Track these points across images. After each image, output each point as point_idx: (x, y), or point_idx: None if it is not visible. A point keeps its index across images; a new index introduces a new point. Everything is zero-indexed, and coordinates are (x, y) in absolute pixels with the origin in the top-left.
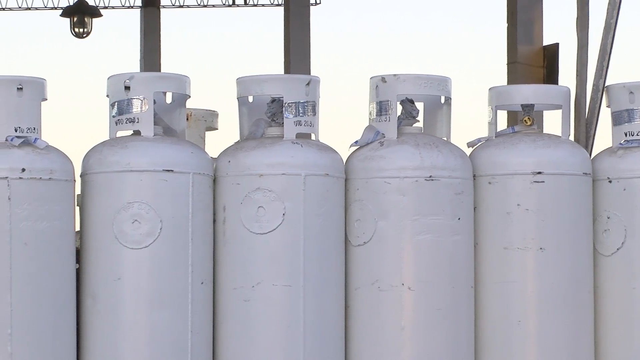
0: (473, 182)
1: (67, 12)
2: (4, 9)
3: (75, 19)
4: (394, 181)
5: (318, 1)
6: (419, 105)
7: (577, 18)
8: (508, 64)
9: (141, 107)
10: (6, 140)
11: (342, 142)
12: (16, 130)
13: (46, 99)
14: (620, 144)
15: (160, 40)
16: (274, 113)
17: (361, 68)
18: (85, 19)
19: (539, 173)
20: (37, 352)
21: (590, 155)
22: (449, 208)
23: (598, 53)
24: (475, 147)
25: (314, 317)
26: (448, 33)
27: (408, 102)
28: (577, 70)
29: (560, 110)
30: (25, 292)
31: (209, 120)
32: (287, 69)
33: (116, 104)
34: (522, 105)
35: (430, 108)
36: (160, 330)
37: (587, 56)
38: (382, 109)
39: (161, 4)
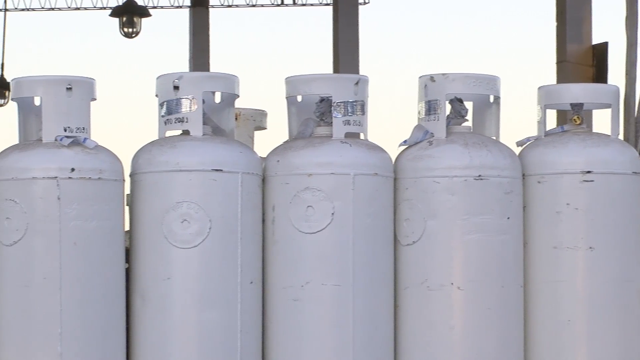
0: (522, 182)
1: (116, 12)
2: (53, 9)
3: (124, 18)
4: (443, 180)
5: (367, 0)
6: (468, 105)
7: (626, 17)
8: (557, 62)
9: (190, 107)
10: (56, 140)
11: (391, 142)
12: (65, 130)
13: (95, 99)
14: None
15: (209, 40)
16: (322, 112)
17: (410, 67)
18: (134, 19)
19: (589, 172)
20: (87, 351)
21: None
22: (498, 207)
23: None
24: (524, 146)
25: (363, 317)
26: (497, 32)
27: (457, 102)
28: (626, 69)
29: (609, 109)
30: (75, 291)
31: (257, 119)
32: (336, 69)
33: (165, 103)
34: (571, 104)
35: (479, 107)
36: (209, 330)
37: (636, 55)
38: (431, 108)
39: (210, 4)
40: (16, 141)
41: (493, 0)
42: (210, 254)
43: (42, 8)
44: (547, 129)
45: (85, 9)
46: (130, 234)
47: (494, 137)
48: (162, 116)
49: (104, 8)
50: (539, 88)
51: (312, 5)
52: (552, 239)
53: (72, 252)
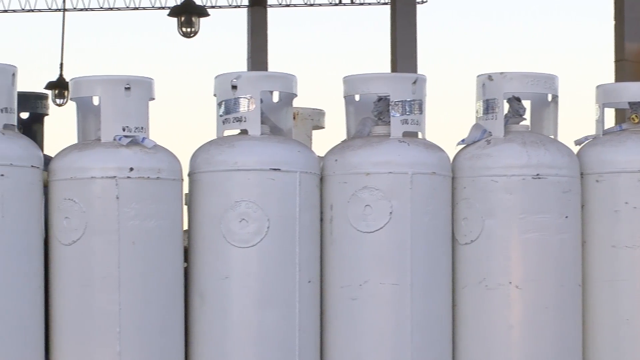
0: (580, 180)
1: (174, 11)
2: (111, 9)
3: (182, 18)
4: (501, 179)
5: None
6: (526, 103)
7: None
8: (615, 61)
9: (248, 106)
10: (114, 139)
11: (449, 141)
12: (124, 130)
13: (154, 99)
14: None
15: (267, 39)
16: (380, 112)
17: (468, 66)
18: (193, 19)
19: None
20: (145, 350)
21: None
22: (556, 206)
23: None
24: (582, 145)
25: (422, 316)
26: (555, 30)
27: (515, 100)
28: None
29: None
30: (133, 291)
31: (315, 119)
32: (394, 68)
33: (223, 103)
34: (629, 102)
35: (537, 106)
36: (267, 329)
37: None
38: (488, 107)
39: (268, 3)
40: (75, 141)
41: None
42: (269, 253)
43: (101, 8)
44: (605, 127)
45: (144, 8)
46: (188, 233)
47: (552, 136)
48: (220, 115)
49: (163, 8)
50: (597, 87)
51: (369, 4)
52: (611, 238)
53: (130, 252)
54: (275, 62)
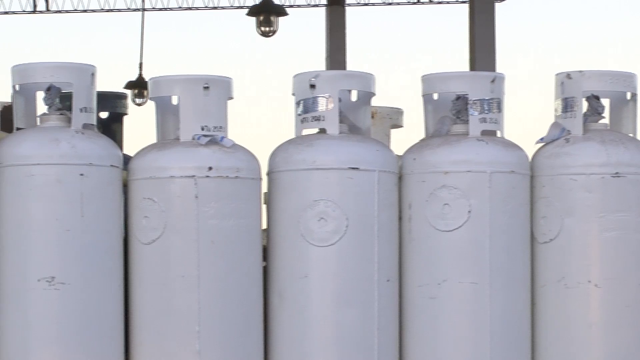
0: None
1: (253, 11)
2: (190, 9)
3: (261, 17)
4: (580, 178)
5: None
6: (605, 102)
7: None
8: None
9: (327, 105)
10: (193, 139)
11: (528, 139)
12: (203, 129)
13: (232, 98)
14: None
15: (345, 38)
16: (459, 110)
17: (546, 64)
18: (271, 18)
19: None
20: (225, 349)
21: None
22: (636, 204)
23: None
24: None
25: (501, 315)
26: (634, 28)
27: (594, 99)
28: None
29: None
30: (213, 290)
31: (394, 117)
32: (472, 66)
33: (302, 102)
34: None
35: (616, 104)
36: (347, 328)
37: None
38: (567, 105)
39: (346, 2)
40: (154, 140)
41: None
42: (347, 252)
43: (180, 7)
44: None
45: (223, 8)
46: (267, 232)
47: (631, 135)
48: (299, 115)
49: (241, 7)
50: None
51: (448, 3)
52: None
53: (209, 251)
54: (354, 61)
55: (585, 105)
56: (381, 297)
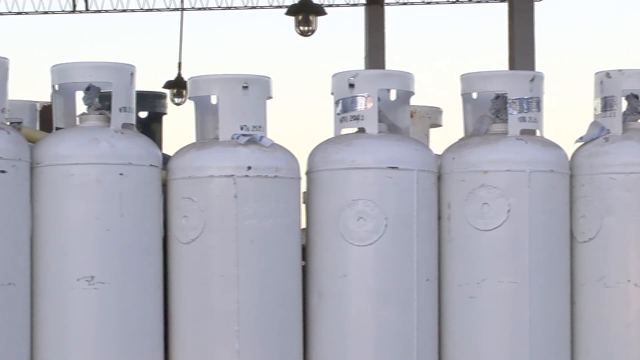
0: None
1: (292, 10)
2: (229, 8)
3: (300, 17)
4: (620, 177)
5: None
6: None
7: None
8: None
9: (365, 105)
10: (232, 138)
11: (567, 138)
12: (242, 129)
13: (271, 97)
14: None
15: (384, 38)
16: (498, 109)
17: (586, 63)
18: (310, 17)
19: None
20: (264, 348)
21: None
22: None
23: None
24: None
25: (540, 314)
26: None
27: (633, 98)
28: None
29: None
30: (252, 289)
31: (433, 117)
32: (512, 65)
33: (341, 101)
34: None
35: None
36: (386, 327)
37: None
38: (607, 104)
39: (385, 1)
40: (193, 140)
41: None
42: (386, 252)
43: (219, 7)
44: None
45: (262, 7)
46: (306, 232)
47: None
48: (338, 114)
49: (280, 7)
50: None
51: (487, 2)
52: None
53: (249, 250)
54: (393, 60)
55: (624, 104)
56: (420, 297)
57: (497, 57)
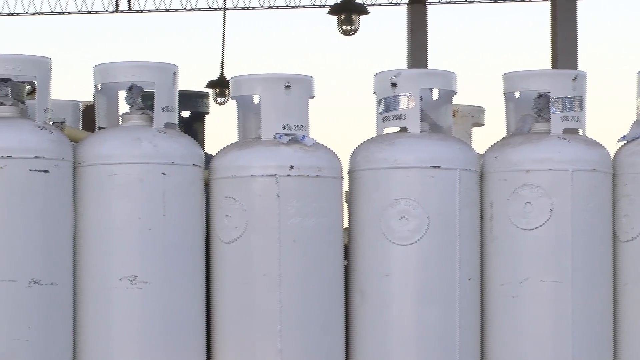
0: None
1: (334, 9)
2: (272, 7)
3: (342, 16)
4: None
5: None
6: None
7: None
8: None
9: (408, 104)
10: (275, 138)
11: (610, 137)
12: (284, 128)
13: (313, 97)
14: None
15: (427, 37)
16: (540, 108)
17: (629, 62)
18: (353, 17)
19: None
20: (306, 348)
21: None
22: None
23: None
24: None
25: (583, 314)
26: None
27: None
28: None
29: None
30: (294, 288)
31: (475, 116)
32: (554, 64)
33: (383, 100)
34: None
35: None
36: (428, 326)
37: None
38: None
39: (428, 1)
40: (236, 139)
41: None
42: (429, 251)
43: (261, 7)
44: None
45: (304, 7)
46: (348, 231)
47: None
48: (380, 113)
49: (323, 6)
50: None
51: (529, 0)
52: None
53: (291, 250)
54: (435, 59)
55: None
56: (462, 296)
57: (539, 56)
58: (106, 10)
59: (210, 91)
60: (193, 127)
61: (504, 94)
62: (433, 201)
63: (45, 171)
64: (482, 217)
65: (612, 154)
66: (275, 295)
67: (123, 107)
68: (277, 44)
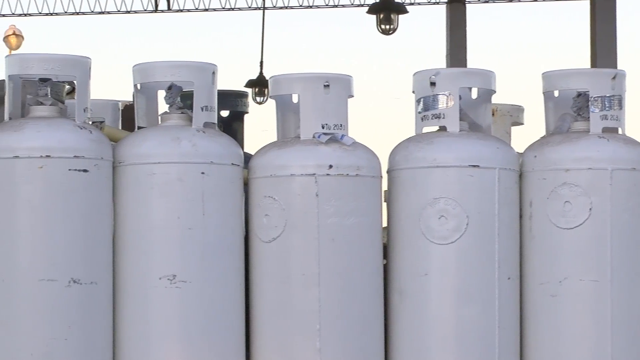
0: None
1: (373, 8)
2: (311, 7)
3: (381, 15)
4: None
5: None
6: None
7: None
8: None
9: (447, 103)
10: (314, 137)
11: None
12: (323, 127)
13: (352, 96)
14: None
15: (466, 36)
16: (580, 107)
17: None
18: (392, 16)
19: None
20: (346, 347)
21: None
22: None
23: None
24: None
25: (622, 312)
26: None
27: None
28: None
29: None
30: (333, 287)
31: (514, 115)
32: (593, 63)
33: (422, 100)
34: None
35: None
36: (467, 326)
37: None
38: None
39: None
40: (275, 138)
41: None
42: (468, 250)
43: (300, 6)
44: None
45: (343, 6)
46: (387, 230)
47: None
48: (419, 112)
49: (362, 5)
50: None
51: None
52: None
53: (330, 249)
54: (474, 58)
55: None
56: (502, 295)
57: (579, 55)
58: (145, 10)
59: (249, 90)
60: (232, 127)
61: (543, 93)
62: (472, 200)
63: (85, 171)
64: (521, 216)
65: None
66: (314, 294)
67: (162, 106)
68: (316, 43)
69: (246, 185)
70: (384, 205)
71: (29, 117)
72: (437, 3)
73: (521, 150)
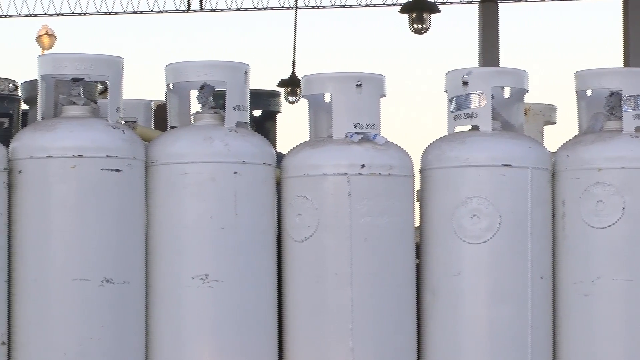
0: None
1: (406, 8)
2: (343, 7)
3: (414, 15)
4: None
5: None
6: None
7: None
8: None
9: (479, 102)
10: (346, 136)
11: None
12: (356, 127)
13: (385, 95)
14: None
15: (498, 35)
16: (612, 107)
17: None
18: (424, 15)
19: None
20: (378, 347)
21: None
22: None
23: None
24: None
25: None
26: None
27: None
28: None
29: None
30: (366, 287)
31: (547, 114)
32: (626, 62)
33: (454, 99)
34: None
35: None
36: (500, 325)
37: None
38: None
39: None
40: (307, 138)
41: None
42: (500, 250)
43: (333, 5)
44: None
45: (375, 5)
46: (420, 230)
47: None
48: (452, 112)
49: (394, 5)
50: None
51: None
52: None
53: (363, 248)
54: (507, 57)
55: None
56: (535, 295)
57: (611, 54)
58: (178, 10)
59: (281, 90)
60: (264, 126)
61: (576, 92)
62: (505, 200)
63: (118, 170)
64: (553, 216)
65: None
66: (346, 293)
67: (195, 106)
68: (348, 43)
69: (278, 184)
70: (417, 204)
71: (61, 117)
72: (470, 2)
73: (554, 150)
